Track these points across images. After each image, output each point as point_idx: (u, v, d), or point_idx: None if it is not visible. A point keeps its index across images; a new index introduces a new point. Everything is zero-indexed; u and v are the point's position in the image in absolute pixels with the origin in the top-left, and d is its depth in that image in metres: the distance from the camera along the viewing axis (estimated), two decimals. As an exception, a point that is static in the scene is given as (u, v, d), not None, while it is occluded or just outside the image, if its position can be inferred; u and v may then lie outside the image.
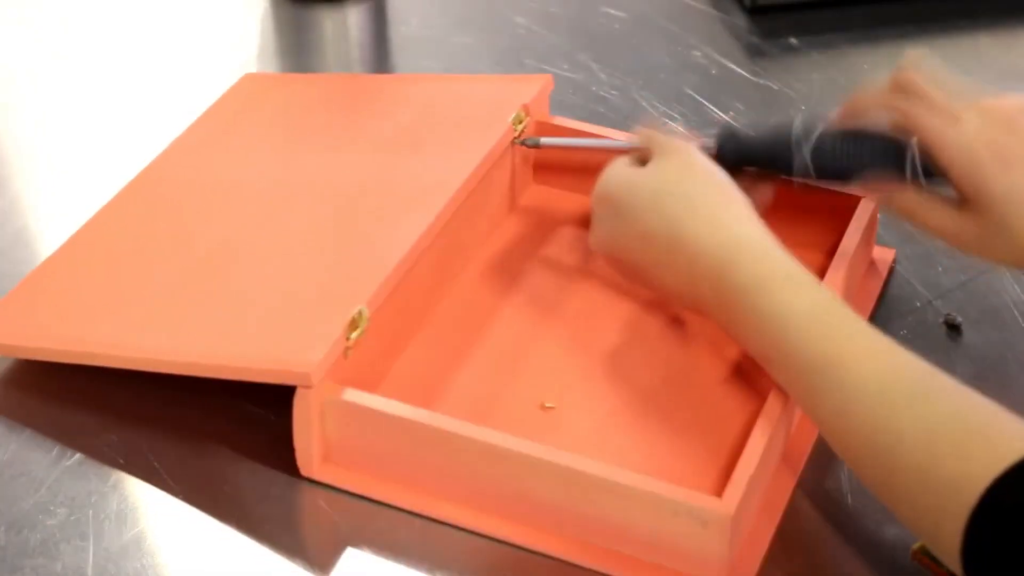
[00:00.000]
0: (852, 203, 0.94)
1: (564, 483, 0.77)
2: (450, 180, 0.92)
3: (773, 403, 0.80)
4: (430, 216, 0.89)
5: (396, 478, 0.82)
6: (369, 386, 0.84)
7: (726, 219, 0.84)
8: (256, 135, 1.04)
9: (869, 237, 0.95)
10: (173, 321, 0.87)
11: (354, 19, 1.23)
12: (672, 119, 1.11)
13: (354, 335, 0.82)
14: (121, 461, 0.84)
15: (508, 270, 0.96)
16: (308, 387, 0.80)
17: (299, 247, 0.91)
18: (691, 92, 1.14)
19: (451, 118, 1.01)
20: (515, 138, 0.98)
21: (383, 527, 0.81)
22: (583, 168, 1.00)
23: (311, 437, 0.82)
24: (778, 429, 0.80)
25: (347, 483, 0.83)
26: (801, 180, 0.89)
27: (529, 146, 0.98)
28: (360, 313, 0.83)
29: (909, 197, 0.85)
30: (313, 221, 0.93)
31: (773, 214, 0.96)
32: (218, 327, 0.86)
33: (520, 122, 0.99)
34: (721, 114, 1.11)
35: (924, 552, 0.77)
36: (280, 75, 1.13)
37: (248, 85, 1.10)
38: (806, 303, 0.79)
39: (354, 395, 0.81)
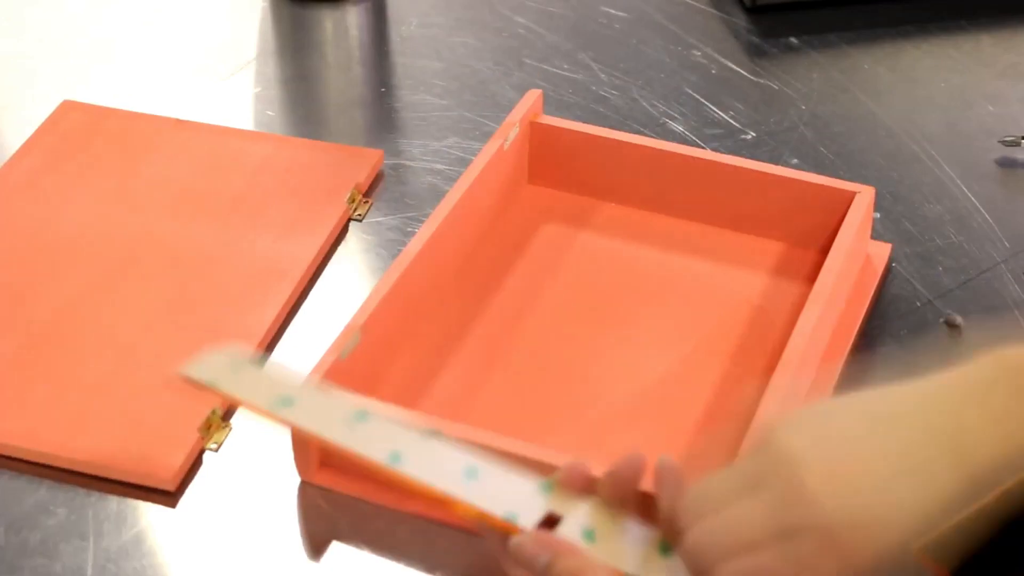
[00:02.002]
0: (847, 198, 0.94)
1: None
2: (294, 265, 0.95)
3: (766, 410, 0.80)
4: (277, 305, 0.92)
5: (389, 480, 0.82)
6: (367, 389, 0.84)
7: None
8: (81, 181, 1.02)
9: (864, 233, 0.95)
10: (13, 405, 0.86)
11: (354, 19, 1.23)
12: (672, 119, 1.11)
13: (214, 440, 0.85)
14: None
15: (503, 271, 0.96)
16: (172, 490, 0.82)
17: (146, 326, 0.91)
18: (691, 92, 1.14)
19: (285, 189, 1.01)
20: (352, 217, 1.00)
21: (381, 526, 0.81)
22: (577, 168, 1.00)
23: (307, 442, 0.82)
24: None
25: (342, 487, 0.83)
26: None
27: None
28: (214, 412, 0.84)
29: None
30: (158, 295, 0.93)
31: (765, 211, 0.96)
32: (66, 415, 0.85)
33: (353, 201, 1.00)
34: (721, 114, 1.11)
35: (927, 552, 0.76)
36: (99, 108, 1.09)
37: (67, 115, 1.08)
38: None
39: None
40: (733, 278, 0.95)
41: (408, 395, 0.87)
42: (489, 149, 0.97)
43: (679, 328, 0.92)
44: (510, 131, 0.98)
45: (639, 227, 0.99)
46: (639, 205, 1.00)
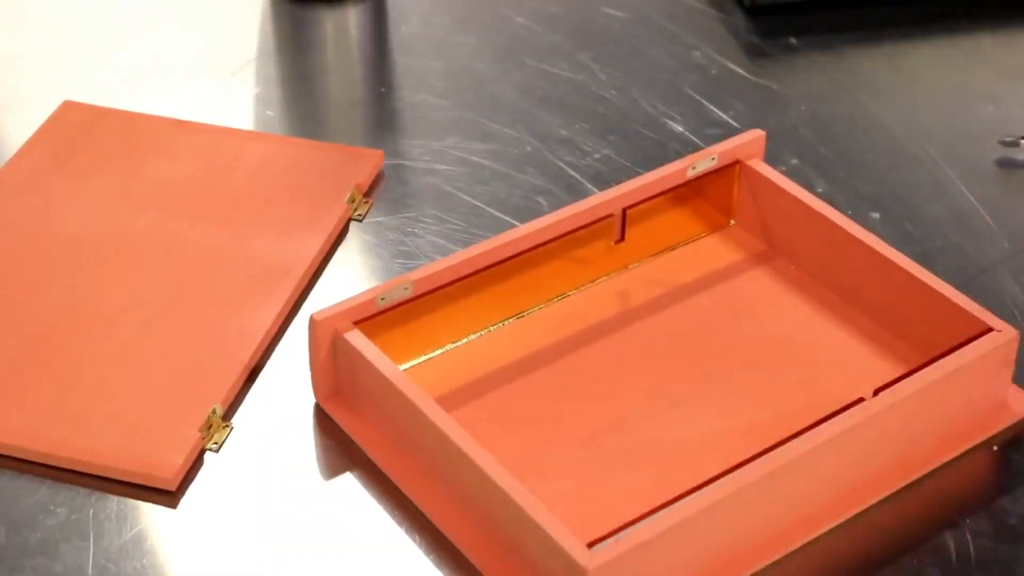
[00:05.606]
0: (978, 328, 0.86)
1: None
2: (295, 266, 0.95)
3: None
4: (277, 305, 0.92)
5: (379, 432, 0.83)
6: (399, 345, 0.85)
7: None
8: (82, 181, 1.02)
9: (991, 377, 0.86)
10: (13, 405, 0.86)
11: (354, 19, 1.23)
12: (672, 119, 1.11)
13: (214, 440, 0.85)
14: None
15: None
16: (172, 490, 0.82)
17: (146, 327, 0.91)
18: (691, 92, 1.14)
19: (285, 189, 1.01)
20: (352, 217, 1.00)
21: (388, 518, 0.81)
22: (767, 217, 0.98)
23: (321, 367, 0.84)
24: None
25: (343, 421, 0.84)
26: None
27: None
28: (214, 412, 0.85)
29: None
30: (158, 295, 0.93)
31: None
32: (66, 415, 0.85)
33: (354, 201, 1.00)
34: (721, 114, 1.11)
35: None
36: (100, 108, 1.08)
37: (67, 115, 1.07)
38: None
39: (356, 337, 0.82)
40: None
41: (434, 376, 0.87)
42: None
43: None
44: (700, 160, 0.95)
45: (791, 288, 0.94)
46: (801, 266, 0.95)
